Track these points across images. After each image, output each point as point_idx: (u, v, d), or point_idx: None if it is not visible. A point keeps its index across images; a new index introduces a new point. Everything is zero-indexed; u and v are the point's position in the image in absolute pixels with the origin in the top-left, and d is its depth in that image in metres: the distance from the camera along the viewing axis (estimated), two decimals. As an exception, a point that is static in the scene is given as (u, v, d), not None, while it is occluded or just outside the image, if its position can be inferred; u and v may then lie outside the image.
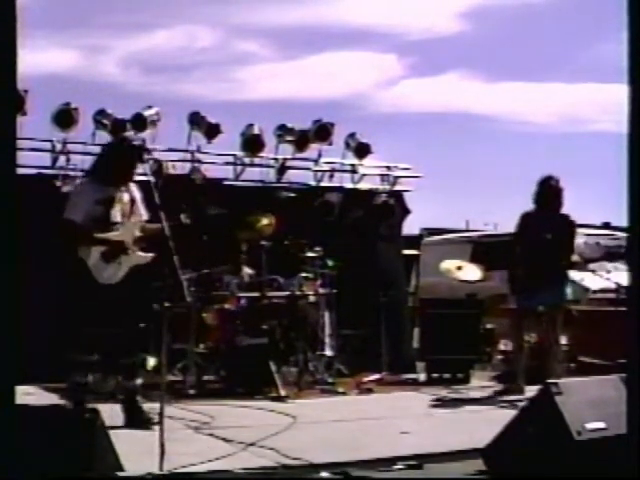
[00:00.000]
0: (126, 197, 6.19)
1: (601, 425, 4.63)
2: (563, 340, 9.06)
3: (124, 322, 6.00)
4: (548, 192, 8.03)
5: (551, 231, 7.93)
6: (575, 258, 8.30)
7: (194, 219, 5.85)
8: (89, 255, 5.96)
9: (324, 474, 4.84)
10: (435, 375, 9.09)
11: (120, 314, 5.97)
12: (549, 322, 8.05)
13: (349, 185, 10.33)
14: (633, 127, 3.47)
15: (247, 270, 8.49)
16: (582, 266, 9.21)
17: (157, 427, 4.84)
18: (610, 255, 8.70)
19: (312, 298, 8.68)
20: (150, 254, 6.20)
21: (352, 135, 10.13)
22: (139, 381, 6.18)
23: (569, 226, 8.08)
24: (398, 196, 10.50)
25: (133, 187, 6.25)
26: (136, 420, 6.00)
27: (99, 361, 6.13)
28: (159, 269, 5.42)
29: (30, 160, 8.54)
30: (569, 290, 8.10)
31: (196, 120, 9.27)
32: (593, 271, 9.92)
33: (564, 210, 8.12)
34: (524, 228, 8.14)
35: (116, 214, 6.10)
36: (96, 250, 5.97)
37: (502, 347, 9.51)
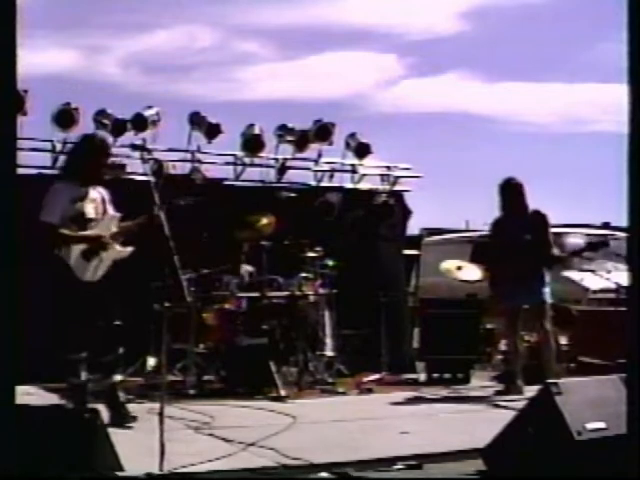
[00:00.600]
0: (97, 196, 6.26)
1: (601, 425, 4.62)
2: (563, 340, 9.07)
3: (101, 320, 6.08)
4: (511, 194, 8.09)
5: (528, 231, 7.97)
6: (556, 252, 8.31)
7: (166, 210, 5.86)
8: (69, 254, 6.00)
9: (323, 474, 4.84)
10: (435, 375, 9.10)
11: (98, 312, 6.05)
12: (536, 321, 8.09)
13: (349, 185, 10.34)
14: (633, 127, 3.47)
15: (246, 267, 8.49)
16: (569, 260, 9.20)
17: (157, 426, 4.83)
18: (592, 245, 8.66)
19: (312, 298, 8.67)
20: (129, 248, 6.31)
21: (352, 135, 10.13)
22: (118, 377, 6.23)
23: (542, 222, 8.10)
24: (398, 196, 10.51)
25: (101, 189, 6.32)
26: (117, 416, 6.01)
27: (85, 360, 6.14)
28: (159, 269, 5.41)
29: (30, 160, 8.55)
30: (547, 289, 8.08)
31: (196, 120, 9.27)
32: (593, 271, 9.91)
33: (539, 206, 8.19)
34: (498, 234, 8.20)
35: (90, 211, 6.16)
36: (76, 249, 6.02)
37: (502, 347, 9.50)
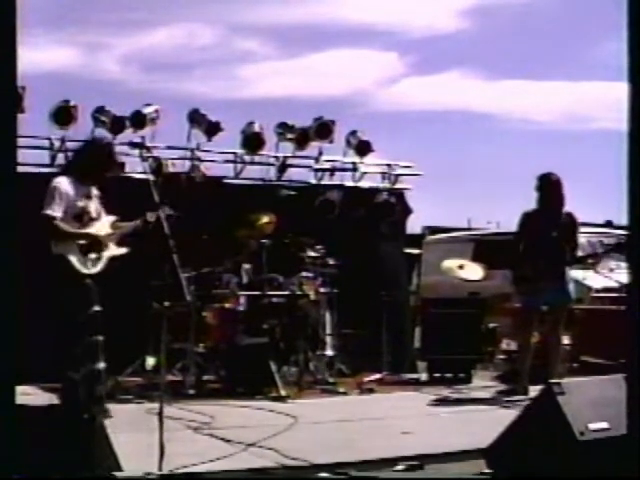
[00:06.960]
0: (96, 194, 6.45)
1: (604, 425, 4.60)
2: (565, 340, 9.04)
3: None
4: (549, 189, 7.96)
5: (556, 229, 7.88)
6: (581, 254, 8.25)
7: (156, 218, 5.93)
8: (67, 249, 6.15)
9: (324, 474, 4.82)
10: (437, 375, 9.06)
11: (97, 302, 6.23)
12: (554, 321, 8.00)
13: (350, 183, 10.30)
14: (633, 125, 3.45)
15: (245, 266, 8.46)
16: (590, 261, 9.15)
17: (156, 426, 4.80)
18: (611, 250, 8.65)
19: (313, 297, 8.64)
20: (124, 249, 6.51)
21: (353, 133, 10.10)
22: (101, 365, 6.23)
23: (572, 223, 8.01)
24: (399, 194, 10.48)
25: (95, 189, 6.47)
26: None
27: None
28: (159, 268, 5.39)
29: (28, 158, 8.51)
30: (573, 288, 8.05)
31: (196, 118, 9.25)
32: (595, 270, 9.89)
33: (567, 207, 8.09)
34: (526, 227, 8.07)
35: (92, 210, 6.37)
36: (74, 244, 6.17)
37: (504, 346, 9.47)
